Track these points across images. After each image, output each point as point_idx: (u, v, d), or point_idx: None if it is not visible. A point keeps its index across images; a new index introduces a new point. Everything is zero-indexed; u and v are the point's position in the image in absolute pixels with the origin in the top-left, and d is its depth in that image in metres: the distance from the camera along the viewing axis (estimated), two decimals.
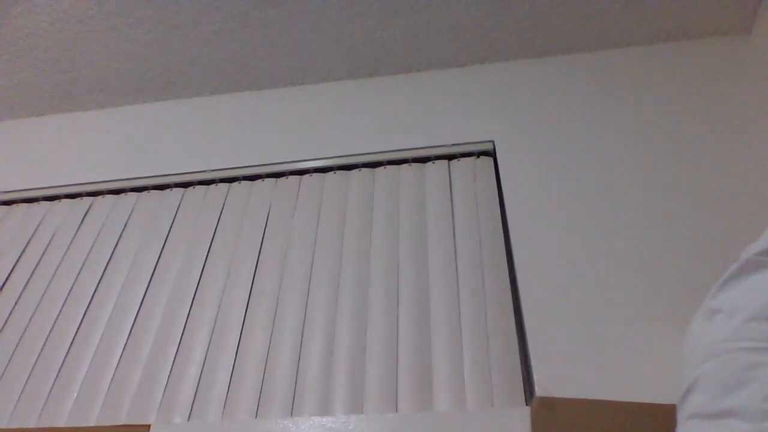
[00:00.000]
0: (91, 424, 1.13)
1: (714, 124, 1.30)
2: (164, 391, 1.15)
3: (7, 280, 1.40)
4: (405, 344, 1.12)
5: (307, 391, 1.10)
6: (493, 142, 1.39)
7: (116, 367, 1.20)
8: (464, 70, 1.57)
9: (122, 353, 1.22)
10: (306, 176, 1.46)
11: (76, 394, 1.18)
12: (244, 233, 1.37)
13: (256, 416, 1.08)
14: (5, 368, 1.24)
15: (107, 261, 1.39)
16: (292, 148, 1.49)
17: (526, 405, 1.00)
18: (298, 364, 1.14)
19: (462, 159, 1.40)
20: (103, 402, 1.16)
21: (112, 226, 1.46)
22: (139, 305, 1.29)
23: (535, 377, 1.00)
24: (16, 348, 1.27)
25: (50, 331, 1.29)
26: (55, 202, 1.55)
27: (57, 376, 1.22)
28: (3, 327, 1.31)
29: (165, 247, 1.39)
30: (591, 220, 1.20)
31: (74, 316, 1.30)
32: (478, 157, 1.40)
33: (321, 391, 1.09)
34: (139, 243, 1.41)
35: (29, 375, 1.23)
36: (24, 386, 1.21)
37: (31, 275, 1.40)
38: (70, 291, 1.35)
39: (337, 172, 1.45)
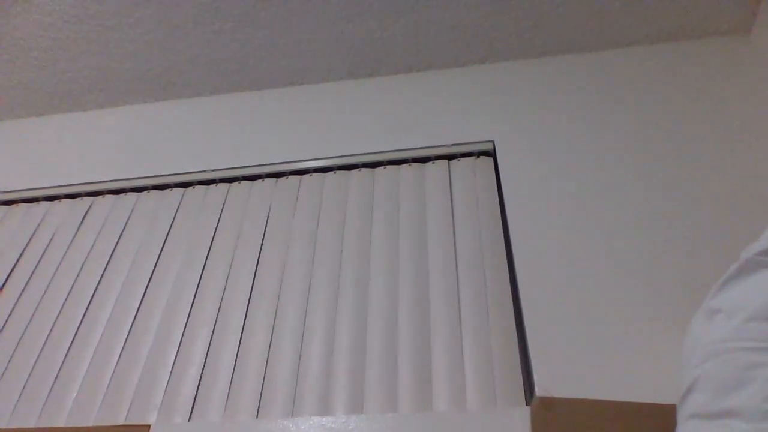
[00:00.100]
0: (91, 424, 1.13)
1: (714, 124, 1.30)
2: (165, 391, 1.15)
3: (7, 280, 1.40)
4: (405, 344, 1.12)
5: (307, 391, 1.10)
6: (493, 142, 1.39)
7: (116, 368, 1.20)
8: (464, 70, 1.57)
9: (122, 353, 1.22)
10: (306, 176, 1.46)
11: (75, 394, 1.18)
12: (244, 233, 1.37)
13: (257, 416, 1.08)
14: (5, 368, 1.24)
15: (107, 261, 1.39)
16: (292, 148, 1.49)
17: (526, 405, 1.00)
18: (299, 364, 1.14)
19: (462, 159, 1.40)
20: (103, 402, 1.16)
21: (112, 226, 1.46)
22: (138, 305, 1.29)
23: (535, 377, 1.00)
24: (16, 348, 1.27)
25: (50, 331, 1.29)
26: (55, 202, 1.55)
27: (57, 376, 1.22)
28: (3, 327, 1.31)
29: (165, 247, 1.39)
30: (591, 220, 1.20)
31: (74, 316, 1.30)
32: (478, 157, 1.40)
33: (321, 391, 1.09)
34: (139, 243, 1.41)
35: (29, 375, 1.23)
36: (24, 386, 1.21)
37: (31, 275, 1.40)
38: (70, 291, 1.35)
39: (337, 172, 1.45)
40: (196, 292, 1.29)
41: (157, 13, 1.47)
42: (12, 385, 1.22)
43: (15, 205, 1.57)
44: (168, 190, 1.51)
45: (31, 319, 1.32)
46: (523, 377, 1.04)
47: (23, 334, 1.30)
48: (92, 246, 1.42)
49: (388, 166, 1.43)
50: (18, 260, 1.43)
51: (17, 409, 1.18)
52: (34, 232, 1.49)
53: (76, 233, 1.46)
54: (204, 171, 1.50)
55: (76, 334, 1.27)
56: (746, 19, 1.43)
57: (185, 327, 1.24)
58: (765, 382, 0.57)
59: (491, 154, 1.40)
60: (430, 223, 1.29)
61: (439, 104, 1.50)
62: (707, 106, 1.33)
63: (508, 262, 1.20)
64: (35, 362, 1.24)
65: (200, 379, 1.16)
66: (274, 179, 1.47)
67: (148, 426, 1.08)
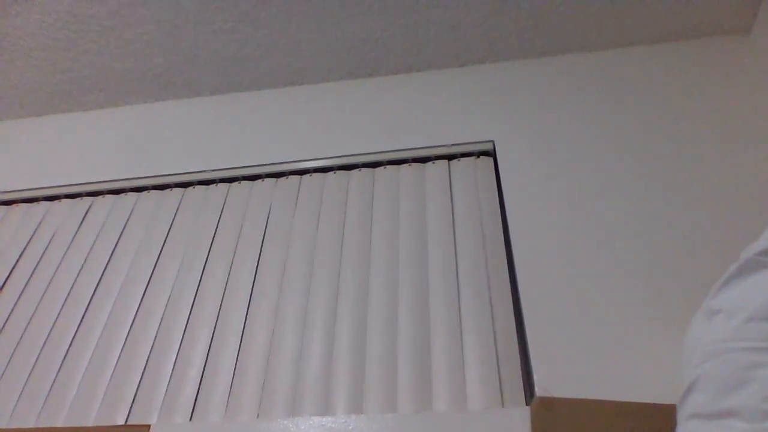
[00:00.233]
0: (91, 424, 1.13)
1: (714, 124, 1.30)
2: (165, 391, 1.15)
3: (7, 280, 1.40)
4: (405, 344, 1.12)
5: (307, 391, 1.10)
6: (493, 142, 1.39)
7: (116, 368, 1.20)
8: (464, 70, 1.57)
9: (122, 353, 1.22)
10: (306, 176, 1.46)
11: (75, 394, 1.18)
12: (245, 233, 1.37)
13: (257, 416, 1.08)
14: (5, 368, 1.24)
15: (107, 261, 1.39)
16: (292, 148, 1.49)
17: (526, 405, 1.00)
18: (299, 364, 1.14)
19: (462, 159, 1.40)
20: (103, 402, 1.16)
21: (112, 226, 1.46)
22: (138, 305, 1.29)
23: (535, 377, 1.00)
24: (16, 348, 1.27)
25: (50, 331, 1.29)
26: (55, 202, 1.55)
27: (57, 375, 1.22)
28: (3, 327, 1.31)
29: (165, 247, 1.39)
30: (591, 220, 1.20)
31: (74, 316, 1.30)
32: (478, 157, 1.40)
33: (321, 391, 1.09)
34: (139, 243, 1.41)
35: (29, 375, 1.23)
36: (24, 386, 1.21)
37: (31, 275, 1.40)
38: (70, 291, 1.35)
39: (337, 172, 1.45)
40: (196, 292, 1.29)
41: (157, 13, 1.47)
42: (12, 384, 1.22)
43: (15, 205, 1.57)
44: (168, 190, 1.51)
45: (31, 319, 1.32)
46: (523, 377, 1.04)
47: (23, 334, 1.30)
48: (92, 246, 1.42)
49: (388, 166, 1.43)
50: (18, 260, 1.43)
51: (17, 409, 1.18)
52: (34, 232, 1.49)
53: (76, 233, 1.46)
54: (204, 171, 1.50)
55: (75, 334, 1.27)
56: (746, 19, 1.42)
57: (185, 327, 1.24)
58: (765, 382, 0.57)
59: (491, 154, 1.39)
60: (430, 223, 1.29)
61: (439, 104, 1.50)
62: (707, 106, 1.33)
63: (508, 262, 1.20)
64: (35, 362, 1.24)
65: (201, 379, 1.16)
66: (274, 179, 1.47)
67: (148, 426, 1.08)
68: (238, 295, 1.26)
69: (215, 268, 1.32)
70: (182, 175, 1.51)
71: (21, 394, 1.20)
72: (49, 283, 1.37)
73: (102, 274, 1.36)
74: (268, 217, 1.39)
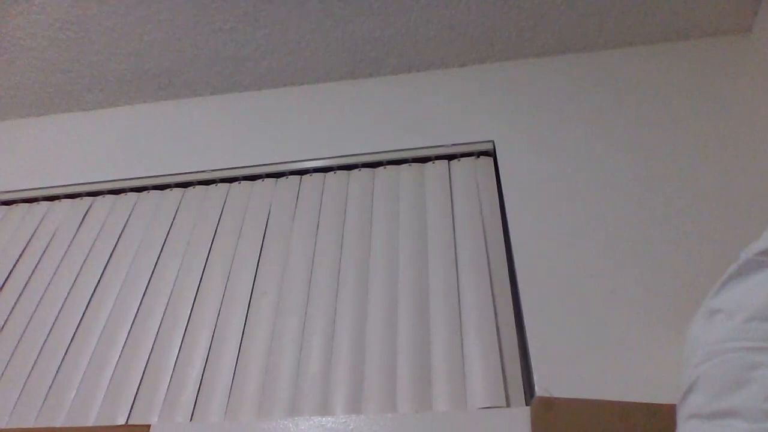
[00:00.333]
0: (91, 424, 1.13)
1: (714, 124, 1.30)
2: (166, 391, 1.15)
3: (7, 280, 1.40)
4: (405, 344, 1.12)
5: (307, 391, 1.10)
6: (493, 142, 1.39)
7: (116, 367, 1.20)
8: (464, 70, 1.57)
9: (122, 353, 1.22)
10: (306, 176, 1.46)
11: (75, 394, 1.18)
12: (245, 233, 1.37)
13: (257, 416, 1.08)
14: (5, 368, 1.24)
15: (107, 261, 1.39)
16: (292, 148, 1.49)
17: (526, 405, 1.00)
18: (299, 364, 1.14)
19: (462, 159, 1.40)
20: (103, 402, 1.16)
21: (112, 226, 1.46)
22: (139, 305, 1.29)
23: (535, 377, 1.00)
24: (16, 347, 1.27)
25: (50, 330, 1.29)
26: (55, 202, 1.55)
27: (57, 375, 1.22)
28: (3, 327, 1.31)
29: (165, 247, 1.39)
30: (591, 220, 1.20)
31: (74, 315, 1.30)
32: (478, 157, 1.40)
33: (321, 391, 1.09)
34: (139, 243, 1.41)
35: (29, 375, 1.23)
36: (23, 386, 1.21)
37: (31, 275, 1.40)
38: (70, 291, 1.35)
39: (337, 172, 1.45)
40: (196, 292, 1.29)
41: (157, 13, 1.47)
42: (11, 384, 1.22)
43: (15, 205, 1.57)
44: (168, 190, 1.51)
45: (31, 319, 1.32)
46: (523, 377, 1.04)
47: (23, 334, 1.29)
48: (92, 246, 1.42)
49: (388, 166, 1.43)
50: (18, 260, 1.43)
51: (17, 409, 1.18)
52: (34, 232, 1.49)
53: (76, 233, 1.46)
54: (204, 171, 1.50)
55: (75, 333, 1.27)
56: (746, 19, 1.42)
57: (186, 327, 1.24)
58: (765, 382, 0.57)
59: (491, 154, 1.39)
60: (430, 223, 1.29)
61: (439, 104, 1.50)
62: (707, 106, 1.33)
63: (508, 262, 1.20)
64: (35, 362, 1.24)
65: (201, 379, 1.16)
66: (274, 179, 1.47)
67: (149, 426, 1.08)
68: (239, 295, 1.26)
69: (215, 268, 1.32)
70: (182, 175, 1.51)
71: (21, 393, 1.20)
72: (49, 283, 1.37)
73: (102, 274, 1.36)
74: (268, 217, 1.39)
